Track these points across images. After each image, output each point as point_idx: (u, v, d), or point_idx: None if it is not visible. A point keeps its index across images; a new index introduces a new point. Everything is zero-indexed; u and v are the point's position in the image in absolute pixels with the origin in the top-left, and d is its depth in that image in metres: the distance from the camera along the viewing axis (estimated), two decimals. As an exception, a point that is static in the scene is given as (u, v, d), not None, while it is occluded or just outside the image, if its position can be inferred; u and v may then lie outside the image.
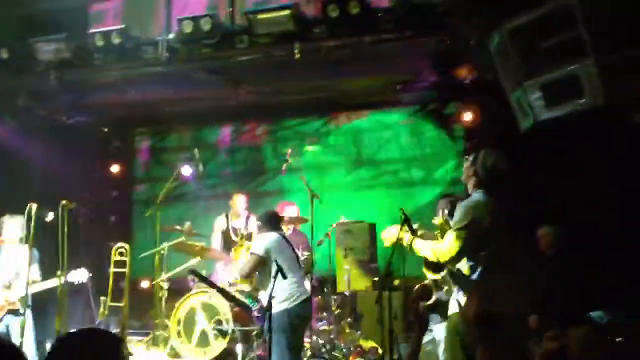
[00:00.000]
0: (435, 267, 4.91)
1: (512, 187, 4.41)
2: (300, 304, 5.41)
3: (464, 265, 4.32)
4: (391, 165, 8.59)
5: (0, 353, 1.98)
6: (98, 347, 2.20)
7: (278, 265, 5.03)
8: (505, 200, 4.30)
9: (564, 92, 4.69)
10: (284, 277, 5.06)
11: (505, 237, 4.29)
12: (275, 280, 4.92)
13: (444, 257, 4.25)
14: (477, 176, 4.30)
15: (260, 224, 5.86)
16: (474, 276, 4.23)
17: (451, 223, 4.48)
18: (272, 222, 5.81)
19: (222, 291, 6.41)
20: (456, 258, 4.25)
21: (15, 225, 6.33)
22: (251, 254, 5.63)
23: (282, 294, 5.28)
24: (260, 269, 5.52)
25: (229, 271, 6.93)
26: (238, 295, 6.47)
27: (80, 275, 6.25)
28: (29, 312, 6.18)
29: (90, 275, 6.29)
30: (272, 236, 5.62)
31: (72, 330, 6.62)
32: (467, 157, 4.47)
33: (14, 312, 6.15)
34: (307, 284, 6.90)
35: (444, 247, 4.25)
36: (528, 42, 4.87)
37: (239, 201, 7.64)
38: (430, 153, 8.42)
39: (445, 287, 4.91)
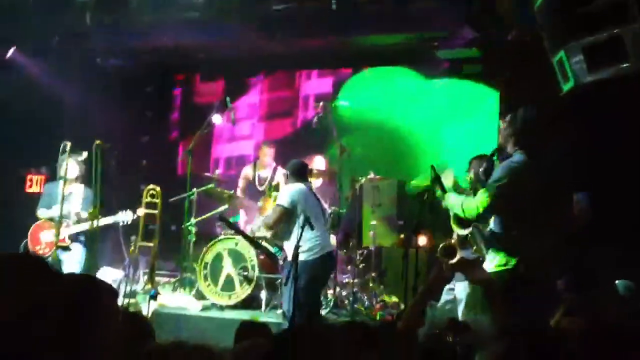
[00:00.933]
0: (465, 222, 4.87)
1: (552, 148, 4.33)
2: (321, 257, 5.46)
3: (494, 224, 4.29)
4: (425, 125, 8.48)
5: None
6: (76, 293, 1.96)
7: (306, 216, 5.08)
8: (545, 161, 4.22)
9: (607, 55, 4.55)
10: (312, 228, 5.11)
11: (542, 199, 4.24)
12: (302, 230, 4.98)
13: (471, 213, 4.20)
14: (516, 135, 4.21)
15: (288, 174, 5.88)
16: (508, 237, 4.18)
17: (486, 182, 4.43)
18: (300, 172, 5.81)
19: (249, 238, 6.51)
20: (483, 215, 4.19)
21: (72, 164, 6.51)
22: (277, 205, 5.68)
23: (304, 245, 5.32)
24: (286, 219, 5.57)
25: (256, 222, 7.00)
26: (265, 244, 6.56)
27: (126, 216, 6.51)
28: (79, 247, 6.51)
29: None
30: (297, 187, 5.63)
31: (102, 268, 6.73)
32: (503, 119, 4.39)
33: (64, 248, 6.49)
34: (332, 238, 6.97)
35: (473, 202, 4.18)
36: (572, 2, 4.71)
37: (267, 152, 7.65)
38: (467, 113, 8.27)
39: (474, 247, 4.90)
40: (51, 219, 6.50)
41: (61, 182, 6.41)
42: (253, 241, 6.49)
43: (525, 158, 4.13)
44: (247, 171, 7.77)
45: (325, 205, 6.71)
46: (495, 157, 4.75)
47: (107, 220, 6.53)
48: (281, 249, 6.38)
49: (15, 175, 8.64)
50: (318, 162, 7.75)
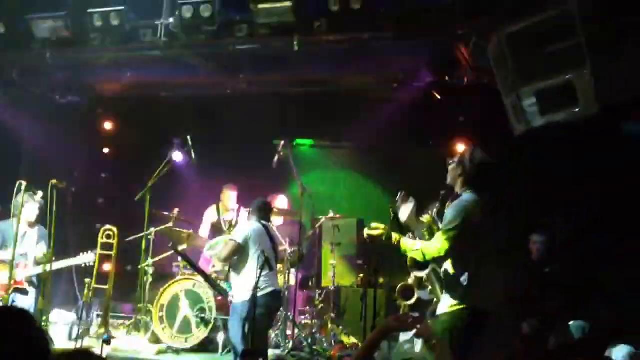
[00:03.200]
0: (421, 264, 4.91)
1: (502, 187, 4.42)
2: (269, 294, 5.47)
3: (449, 265, 4.34)
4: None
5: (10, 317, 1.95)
6: None
7: (265, 257, 5.07)
8: (495, 200, 4.32)
9: (559, 100, 4.71)
10: (270, 269, 5.10)
11: (494, 236, 4.33)
12: (262, 271, 4.95)
13: (431, 256, 4.26)
14: (465, 174, 4.32)
15: (250, 211, 5.91)
16: (463, 277, 4.25)
17: (440, 224, 4.50)
18: (262, 211, 5.87)
19: (202, 274, 6.45)
20: (444, 257, 4.26)
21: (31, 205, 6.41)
22: (230, 239, 5.69)
23: (247, 283, 5.37)
24: (237, 254, 5.57)
25: (208, 252, 6.89)
26: (218, 281, 6.50)
27: (87, 258, 6.40)
28: (32, 290, 6.36)
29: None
30: (253, 225, 5.72)
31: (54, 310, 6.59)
32: (450, 160, 4.48)
33: (21, 291, 6.33)
34: (292, 277, 6.94)
35: (432, 246, 4.24)
36: (526, 47, 4.87)
37: (230, 196, 7.62)
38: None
39: (429, 287, 4.92)
40: (2, 261, 6.31)
41: (15, 222, 6.26)
42: (206, 277, 6.44)
43: (475, 196, 4.22)
44: (210, 214, 7.71)
45: (286, 245, 6.70)
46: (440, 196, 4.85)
47: (68, 262, 6.41)
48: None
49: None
50: (281, 201, 7.76)
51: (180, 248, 7.00)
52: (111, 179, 9.46)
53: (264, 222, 5.80)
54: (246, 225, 5.80)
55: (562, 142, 5.87)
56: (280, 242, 6.40)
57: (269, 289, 5.49)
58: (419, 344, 5.43)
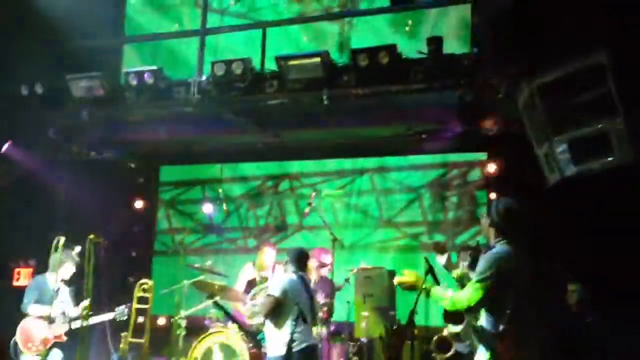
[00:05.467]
0: (455, 319, 4.88)
1: (536, 237, 4.40)
2: (302, 350, 5.35)
3: (485, 320, 4.31)
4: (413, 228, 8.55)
5: None
6: None
7: (300, 310, 5.03)
8: (528, 249, 4.30)
9: (592, 149, 4.72)
10: (305, 322, 5.04)
11: (529, 288, 4.28)
12: (296, 324, 4.91)
13: (461, 306, 4.23)
14: (495, 226, 4.31)
15: (287, 261, 5.83)
16: (497, 330, 4.20)
17: (471, 275, 4.48)
18: (300, 261, 5.77)
19: (238, 325, 6.39)
20: (474, 308, 4.23)
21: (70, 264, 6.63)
22: (268, 295, 5.63)
23: (283, 338, 5.29)
24: (277, 308, 5.49)
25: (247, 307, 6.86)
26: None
27: (122, 313, 6.59)
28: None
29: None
30: (289, 277, 5.62)
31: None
32: (481, 215, 4.48)
33: (61, 346, 6.48)
34: (323, 330, 6.86)
35: (463, 295, 4.22)
36: (557, 97, 4.92)
37: (268, 255, 7.57)
38: (453, 217, 8.40)
39: (468, 341, 4.86)
40: (41, 316, 6.41)
41: (52, 277, 6.39)
42: (243, 329, 6.38)
43: (507, 248, 4.20)
44: (247, 271, 7.67)
45: (321, 297, 6.65)
46: (472, 249, 4.83)
47: (105, 317, 6.54)
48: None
49: (3, 266, 8.53)
50: (326, 257, 7.67)
51: (211, 301, 7.02)
52: (143, 233, 9.57)
53: (300, 272, 5.71)
54: (282, 278, 5.70)
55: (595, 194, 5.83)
56: (316, 294, 6.29)
57: (304, 344, 5.38)
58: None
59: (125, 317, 6.56)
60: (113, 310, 6.63)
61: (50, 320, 6.17)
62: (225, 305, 6.99)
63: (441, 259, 4.81)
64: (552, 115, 4.97)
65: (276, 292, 5.50)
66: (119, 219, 9.05)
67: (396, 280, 4.49)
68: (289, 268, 5.76)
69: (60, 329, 6.41)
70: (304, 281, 5.68)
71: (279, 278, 5.79)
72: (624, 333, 5.88)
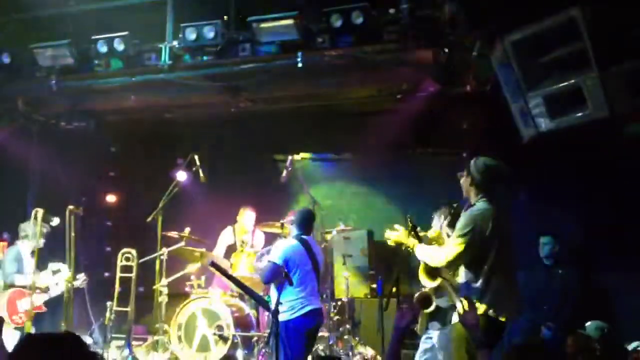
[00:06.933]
0: (433, 274, 5.00)
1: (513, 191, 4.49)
2: (302, 316, 5.37)
3: (465, 276, 4.42)
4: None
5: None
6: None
7: (285, 272, 5.06)
8: (507, 202, 4.42)
9: (567, 103, 4.80)
10: (290, 284, 5.07)
11: (507, 244, 4.41)
12: (282, 288, 4.93)
13: (440, 261, 4.37)
14: (475, 183, 4.42)
15: (293, 221, 5.79)
16: (476, 285, 4.32)
17: (450, 232, 4.60)
18: (306, 223, 5.72)
19: (242, 286, 6.35)
20: (454, 263, 4.36)
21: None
22: (268, 261, 5.61)
23: (285, 303, 5.25)
24: (278, 275, 5.41)
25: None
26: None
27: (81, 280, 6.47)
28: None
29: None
30: (290, 243, 5.59)
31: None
32: (460, 173, 4.57)
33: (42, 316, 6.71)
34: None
35: (443, 251, 4.39)
36: (531, 54, 4.97)
37: (249, 217, 7.57)
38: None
39: (447, 296, 4.99)
40: (24, 287, 6.38)
41: (25, 247, 6.34)
42: (246, 288, 6.36)
43: (487, 205, 4.32)
44: (226, 235, 7.66)
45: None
46: (454, 208, 4.95)
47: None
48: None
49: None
50: None
51: (194, 267, 7.05)
52: (118, 202, 9.49)
53: (304, 236, 5.63)
54: (282, 244, 5.63)
55: (569, 148, 5.95)
56: (322, 255, 6.06)
57: (307, 309, 5.36)
58: (440, 352, 5.45)
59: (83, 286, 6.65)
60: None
61: (32, 290, 6.14)
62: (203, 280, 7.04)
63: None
64: (527, 71, 5.03)
65: (276, 258, 5.47)
66: (93, 189, 8.95)
67: (386, 234, 4.60)
68: (293, 230, 5.72)
69: (39, 299, 6.36)
70: (307, 245, 5.61)
71: (280, 244, 5.75)
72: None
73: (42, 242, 6.56)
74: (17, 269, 6.50)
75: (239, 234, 7.58)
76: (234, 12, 6.91)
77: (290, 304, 5.33)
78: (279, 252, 5.52)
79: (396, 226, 4.59)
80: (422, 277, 5.09)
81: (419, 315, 5.31)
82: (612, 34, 4.50)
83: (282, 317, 5.21)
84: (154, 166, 8.73)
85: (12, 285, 6.50)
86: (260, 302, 5.55)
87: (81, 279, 6.62)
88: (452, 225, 4.82)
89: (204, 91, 7.40)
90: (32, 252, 6.63)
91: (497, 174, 4.42)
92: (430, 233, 5.47)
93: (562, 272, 6.49)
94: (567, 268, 6.50)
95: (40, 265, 6.62)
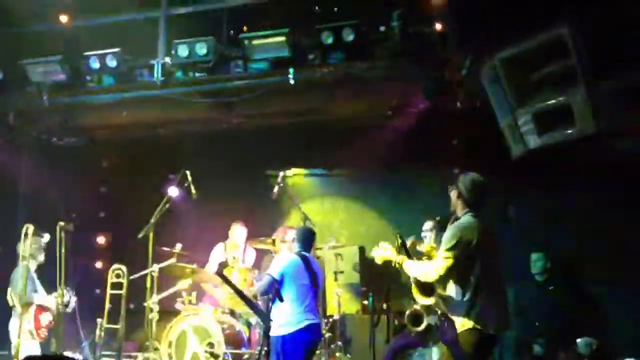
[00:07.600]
0: (426, 291, 5.02)
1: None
2: (299, 330, 5.32)
3: (452, 290, 4.43)
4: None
5: None
6: None
7: (276, 287, 5.04)
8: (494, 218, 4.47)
9: (556, 120, 4.85)
10: (281, 300, 5.05)
11: (493, 257, 4.44)
12: (273, 303, 4.91)
13: (432, 277, 4.39)
14: (462, 198, 4.47)
15: (294, 239, 5.77)
16: (464, 299, 4.33)
17: (437, 245, 4.62)
18: (307, 240, 5.72)
19: (245, 298, 6.30)
20: (444, 278, 4.38)
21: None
22: (266, 273, 5.59)
23: (281, 319, 5.25)
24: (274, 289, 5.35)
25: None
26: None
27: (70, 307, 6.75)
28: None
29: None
30: (290, 258, 5.57)
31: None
32: (450, 186, 4.62)
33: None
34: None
35: (433, 265, 4.40)
36: (521, 71, 5.02)
37: (240, 232, 7.54)
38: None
39: (439, 312, 4.99)
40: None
41: (34, 266, 6.47)
42: (248, 301, 6.30)
43: (472, 219, 4.36)
44: (218, 252, 7.62)
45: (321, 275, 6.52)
46: (439, 221, 4.98)
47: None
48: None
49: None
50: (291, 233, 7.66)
51: (185, 283, 7.00)
52: (109, 218, 9.45)
53: (304, 253, 5.62)
54: (283, 259, 5.61)
55: (559, 163, 6.00)
56: (322, 272, 6.06)
57: (304, 323, 5.32)
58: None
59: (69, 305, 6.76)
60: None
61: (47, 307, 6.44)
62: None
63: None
64: (516, 88, 5.08)
65: (274, 272, 5.44)
66: (84, 205, 8.91)
67: (373, 252, 4.62)
68: (294, 247, 5.71)
69: (51, 315, 6.62)
70: (306, 261, 5.60)
71: (281, 258, 5.73)
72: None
73: (42, 257, 6.61)
74: (33, 289, 6.60)
75: (230, 249, 7.53)
76: (226, 28, 6.94)
77: (287, 319, 5.30)
78: (278, 266, 5.50)
79: (382, 244, 4.61)
80: (416, 295, 5.11)
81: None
82: (600, 51, 4.56)
83: (278, 332, 5.22)
84: (146, 182, 8.69)
85: (30, 304, 6.57)
86: (260, 316, 5.50)
87: (70, 306, 6.68)
88: (439, 238, 4.86)
89: (195, 107, 7.43)
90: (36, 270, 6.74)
91: (485, 189, 4.48)
92: (423, 247, 5.49)
93: (553, 288, 6.51)
94: (558, 284, 6.52)
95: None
